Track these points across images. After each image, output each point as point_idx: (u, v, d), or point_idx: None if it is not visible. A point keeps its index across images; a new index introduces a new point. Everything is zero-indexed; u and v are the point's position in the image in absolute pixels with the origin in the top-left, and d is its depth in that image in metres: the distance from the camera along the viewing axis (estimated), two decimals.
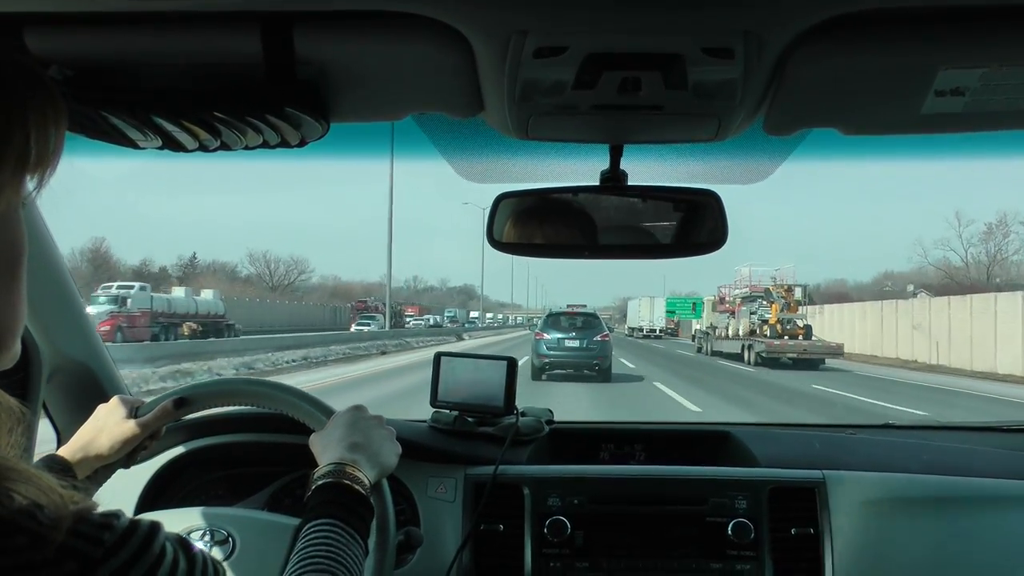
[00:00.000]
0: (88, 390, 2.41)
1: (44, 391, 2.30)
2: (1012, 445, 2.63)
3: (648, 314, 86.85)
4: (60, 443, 2.38)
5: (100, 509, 0.87)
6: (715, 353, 42.36)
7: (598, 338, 24.64)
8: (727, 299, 47.71)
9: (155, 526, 0.90)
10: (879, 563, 2.18)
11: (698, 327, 49.49)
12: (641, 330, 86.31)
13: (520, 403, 2.43)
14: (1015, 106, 1.37)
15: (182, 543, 0.95)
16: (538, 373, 24.18)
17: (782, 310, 38.84)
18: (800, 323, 37.95)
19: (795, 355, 34.35)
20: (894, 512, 2.23)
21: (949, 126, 1.47)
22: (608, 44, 1.21)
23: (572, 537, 2.19)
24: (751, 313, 40.69)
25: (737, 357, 37.83)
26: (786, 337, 36.36)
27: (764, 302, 40.66)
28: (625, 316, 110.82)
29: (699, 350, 46.46)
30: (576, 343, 24.44)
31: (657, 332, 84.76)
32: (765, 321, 39.00)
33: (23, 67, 0.88)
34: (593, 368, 24.44)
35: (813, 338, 36.77)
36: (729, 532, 2.17)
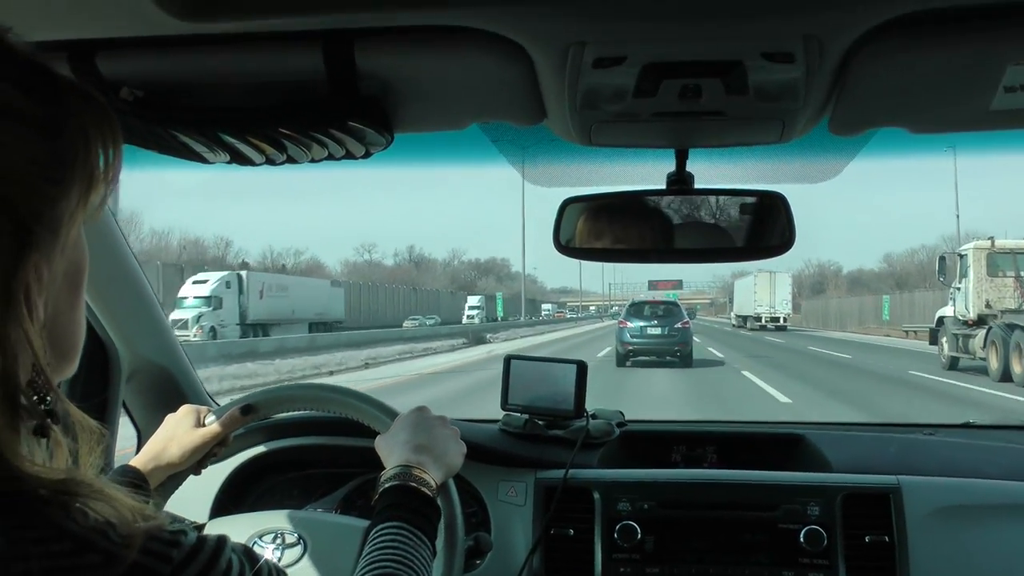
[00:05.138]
0: (167, 391, 2.47)
1: (124, 392, 2.37)
2: None
3: (767, 296, 63.42)
4: (140, 442, 2.45)
5: (170, 524, 0.88)
6: None
7: (679, 325, 25.91)
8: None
9: (221, 541, 0.92)
10: (958, 574, 2.12)
11: (947, 312, 24.07)
12: (758, 319, 63.46)
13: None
14: None
15: (248, 554, 0.97)
16: (622, 360, 25.42)
17: None
18: None
19: None
20: (973, 520, 2.15)
21: (1020, 122, 1.44)
22: (666, 53, 1.20)
23: (642, 542, 2.17)
24: None
25: None
26: None
27: None
28: (731, 300, 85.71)
29: (952, 364, 23.82)
30: (658, 330, 25.71)
31: (781, 321, 63.05)
32: None
33: (80, 90, 0.90)
34: (675, 354, 25.57)
35: None
36: (801, 539, 2.13)
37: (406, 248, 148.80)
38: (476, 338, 45.33)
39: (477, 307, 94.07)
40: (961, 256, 23.70)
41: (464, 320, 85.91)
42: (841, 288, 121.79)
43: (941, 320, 25.36)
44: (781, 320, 63.06)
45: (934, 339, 26.37)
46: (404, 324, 64.95)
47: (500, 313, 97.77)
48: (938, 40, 1.20)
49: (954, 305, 23.90)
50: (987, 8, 1.15)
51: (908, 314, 55.19)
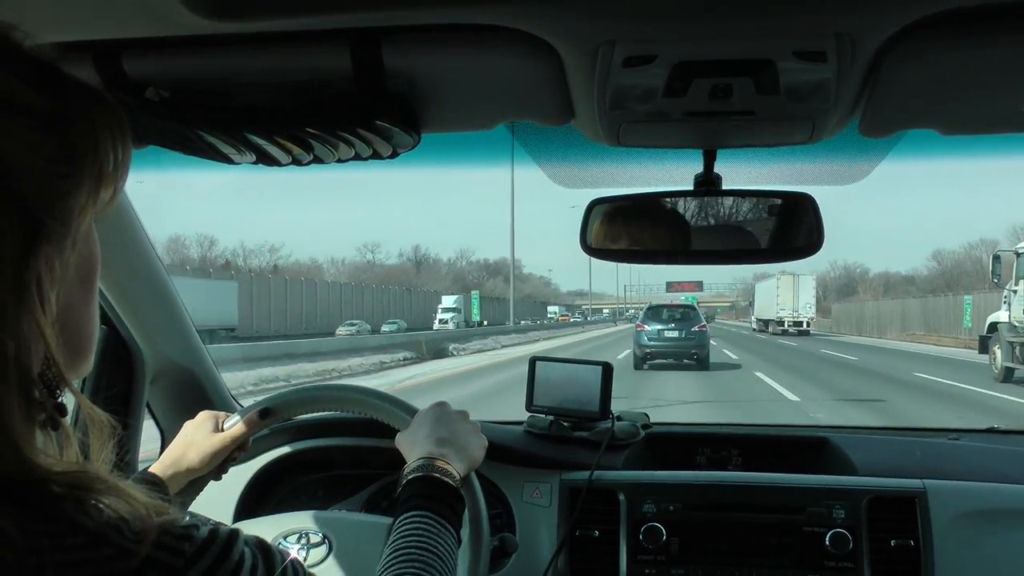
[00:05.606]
0: (191, 393, 2.48)
1: (147, 393, 2.38)
2: None
3: (790, 299, 61.76)
4: (164, 443, 2.46)
5: (183, 520, 0.89)
6: None
7: (696, 328, 26.27)
8: None
9: (234, 533, 0.92)
10: None
11: (1001, 317, 21.40)
12: (780, 323, 61.54)
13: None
14: None
15: (262, 547, 0.97)
16: (640, 363, 25.87)
17: None
18: None
19: None
20: (999, 525, 2.14)
21: None
22: (697, 52, 1.19)
23: (667, 544, 2.17)
24: None
25: None
26: None
27: None
28: (752, 304, 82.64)
29: (1006, 376, 21.27)
30: (675, 333, 26.13)
31: (804, 326, 60.97)
32: None
33: (88, 88, 0.91)
34: (692, 357, 25.89)
35: None
36: (827, 543, 2.12)
37: (411, 248, 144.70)
38: (434, 351, 36.21)
39: (453, 309, 77.91)
40: (1019, 255, 20.68)
41: (436, 325, 71.21)
42: (876, 290, 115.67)
43: (994, 326, 22.35)
44: (805, 324, 60.95)
45: (984, 347, 23.29)
46: (337, 331, 55.36)
47: (476, 316, 78.91)
48: (971, 39, 1.18)
49: (1009, 309, 21.01)
50: (1017, 6, 1.13)
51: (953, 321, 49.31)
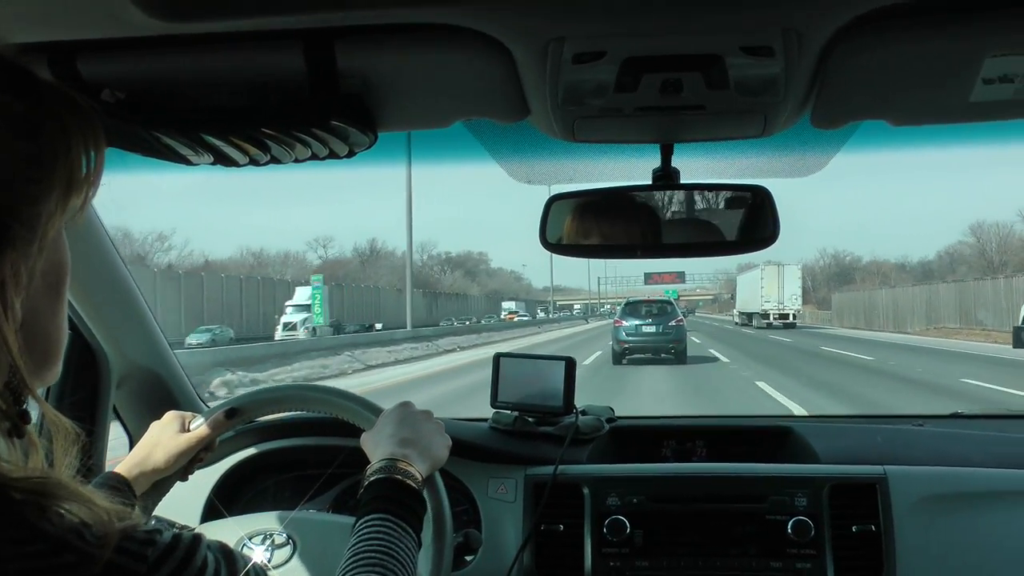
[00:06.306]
0: (157, 396, 2.47)
1: (114, 396, 2.37)
2: None
3: (775, 291, 58.15)
4: (132, 446, 2.45)
5: (147, 524, 0.89)
6: None
7: (673, 323, 26.69)
8: None
9: (197, 538, 0.93)
10: (945, 561, 2.14)
11: None
12: (765, 316, 57.98)
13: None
14: None
15: (224, 551, 0.97)
16: (619, 358, 26.13)
17: None
18: None
19: None
20: (959, 508, 2.18)
21: (1000, 113, 1.45)
22: (646, 47, 1.21)
23: (631, 536, 2.19)
24: None
25: None
26: None
27: None
28: (734, 296, 78.64)
29: None
30: (653, 328, 26.50)
31: (791, 318, 57.59)
32: None
33: (62, 93, 0.90)
34: (669, 351, 26.22)
35: None
36: (789, 530, 2.15)
37: (367, 242, 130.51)
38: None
39: (305, 307, 52.70)
40: None
41: (279, 333, 49.08)
42: (877, 278, 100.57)
43: None
44: (791, 317, 57.93)
45: (1019, 341, 19.97)
46: (187, 341, 41.06)
47: (318, 319, 51.61)
48: (916, 33, 1.21)
49: None
50: (964, 0, 1.16)
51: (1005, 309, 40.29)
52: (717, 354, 30.28)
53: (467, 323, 69.60)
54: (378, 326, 55.53)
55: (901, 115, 1.49)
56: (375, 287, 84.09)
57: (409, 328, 47.14)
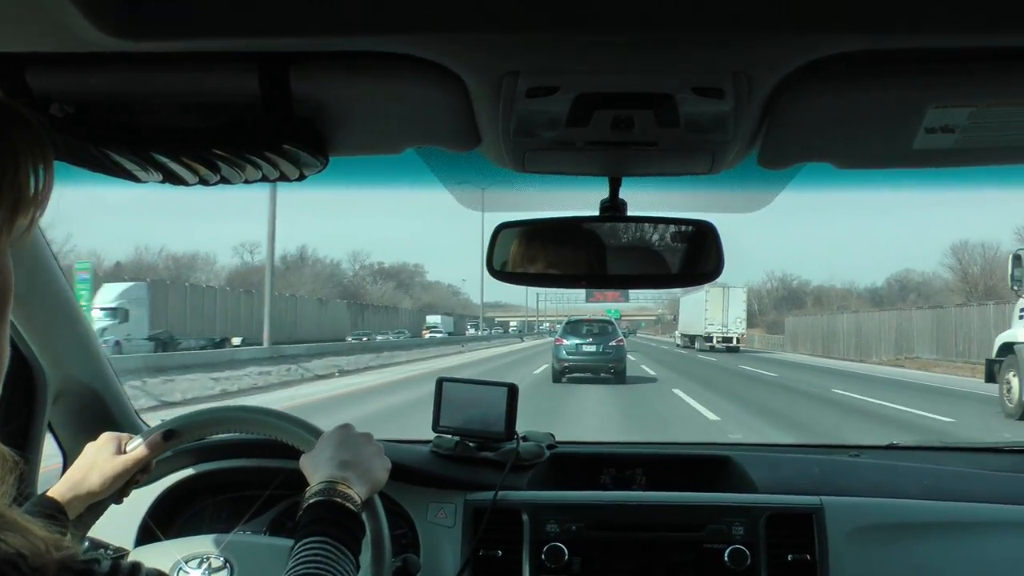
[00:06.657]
0: (94, 412, 2.42)
1: (49, 412, 2.32)
2: (1016, 467, 2.63)
3: (719, 314, 56.59)
4: (66, 464, 2.40)
5: (85, 553, 0.87)
6: None
7: (613, 343, 26.62)
8: None
9: (136, 567, 0.91)
10: None
11: (1017, 336, 16.56)
12: (708, 339, 56.92)
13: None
14: (1004, 143, 1.39)
15: None
16: (558, 376, 26.01)
17: None
18: None
19: None
20: (892, 538, 2.22)
21: (941, 161, 1.48)
22: (598, 84, 1.23)
23: (570, 563, 2.19)
24: None
25: None
26: None
27: None
28: (676, 319, 77.77)
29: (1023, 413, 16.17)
30: (593, 348, 26.39)
31: (734, 342, 56.41)
32: None
33: (9, 108, 0.88)
34: (609, 371, 26.19)
35: None
36: (726, 559, 2.17)
37: (297, 248, 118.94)
38: None
39: (110, 308, 39.79)
40: None
41: None
42: (835, 302, 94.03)
43: (1006, 348, 17.20)
44: (734, 341, 56.42)
45: (992, 375, 17.87)
46: None
47: (126, 328, 39.39)
48: (862, 82, 1.24)
49: None
50: (909, 53, 1.19)
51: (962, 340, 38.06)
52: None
53: (363, 340, 57.67)
54: (235, 341, 46.87)
55: (846, 159, 1.53)
56: (292, 296, 70.01)
57: (266, 345, 37.73)
